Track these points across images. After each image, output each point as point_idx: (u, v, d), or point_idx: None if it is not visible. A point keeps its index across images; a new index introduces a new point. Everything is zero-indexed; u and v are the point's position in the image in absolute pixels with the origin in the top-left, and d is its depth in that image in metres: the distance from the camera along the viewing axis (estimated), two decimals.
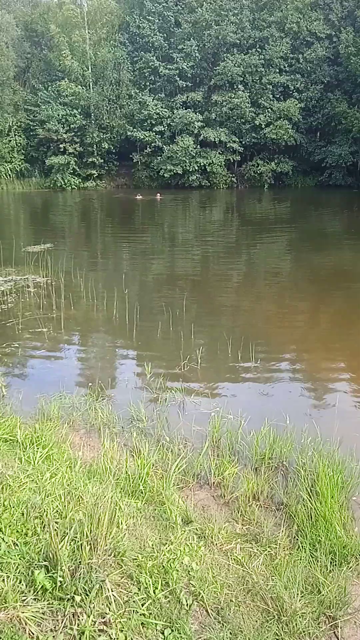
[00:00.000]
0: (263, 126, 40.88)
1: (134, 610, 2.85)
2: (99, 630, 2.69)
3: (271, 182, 42.43)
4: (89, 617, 2.70)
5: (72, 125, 40.45)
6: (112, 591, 2.86)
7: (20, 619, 2.63)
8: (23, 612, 2.65)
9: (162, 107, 40.91)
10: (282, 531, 3.91)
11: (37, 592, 2.79)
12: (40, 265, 13.55)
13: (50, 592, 2.80)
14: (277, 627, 3.03)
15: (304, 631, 3.03)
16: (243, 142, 41.85)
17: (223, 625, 2.98)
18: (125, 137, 41.85)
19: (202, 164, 40.89)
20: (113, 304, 10.34)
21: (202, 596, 3.12)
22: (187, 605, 3.02)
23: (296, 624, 3.04)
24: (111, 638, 2.67)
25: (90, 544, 3.01)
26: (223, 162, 41.86)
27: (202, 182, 41.65)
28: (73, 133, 40.72)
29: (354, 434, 5.59)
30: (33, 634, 2.59)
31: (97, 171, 42.48)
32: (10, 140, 42.16)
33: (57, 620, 2.69)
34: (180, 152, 39.53)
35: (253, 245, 19.11)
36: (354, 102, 39.79)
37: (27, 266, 13.82)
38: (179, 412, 6.36)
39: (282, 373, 7.93)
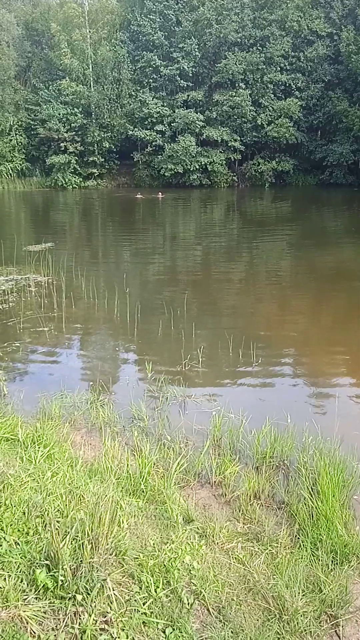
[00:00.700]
0: (264, 125, 40.86)
1: (135, 609, 2.85)
2: (100, 629, 2.69)
3: (272, 181, 42.45)
4: (90, 616, 2.71)
5: (73, 124, 40.50)
6: (113, 590, 2.86)
7: (21, 618, 2.63)
8: (24, 611, 2.66)
9: (162, 106, 40.88)
10: (284, 530, 3.91)
11: (39, 591, 2.80)
12: (42, 265, 13.56)
13: (51, 591, 2.80)
14: (279, 625, 3.03)
15: (305, 630, 3.03)
16: (244, 141, 41.83)
17: (224, 624, 2.98)
18: (126, 136, 41.86)
19: (203, 163, 40.88)
20: (114, 303, 10.34)
21: (204, 595, 3.12)
22: (188, 604, 3.02)
23: (297, 623, 3.04)
24: (112, 637, 2.67)
25: (91, 543, 3.01)
26: (224, 161, 41.86)
27: (203, 180, 41.63)
28: (74, 132, 40.76)
29: (354, 432, 5.58)
30: (34, 632, 2.60)
31: (98, 170, 42.51)
32: (11, 140, 42.22)
33: (59, 619, 2.69)
34: (182, 152, 39.51)
35: (254, 244, 19.09)
36: (355, 101, 39.77)
37: (28, 265, 13.82)
38: (180, 411, 6.36)
39: (283, 372, 7.94)
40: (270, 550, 3.71)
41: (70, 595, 2.78)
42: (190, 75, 41.53)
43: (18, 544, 3.09)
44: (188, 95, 40.91)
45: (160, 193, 35.63)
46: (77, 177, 41.72)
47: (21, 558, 2.98)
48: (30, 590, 2.80)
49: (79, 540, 3.04)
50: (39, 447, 4.61)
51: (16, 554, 3.00)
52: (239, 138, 41.51)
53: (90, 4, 42.45)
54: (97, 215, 29.28)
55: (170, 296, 11.75)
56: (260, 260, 16.40)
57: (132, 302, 10.11)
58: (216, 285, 13.20)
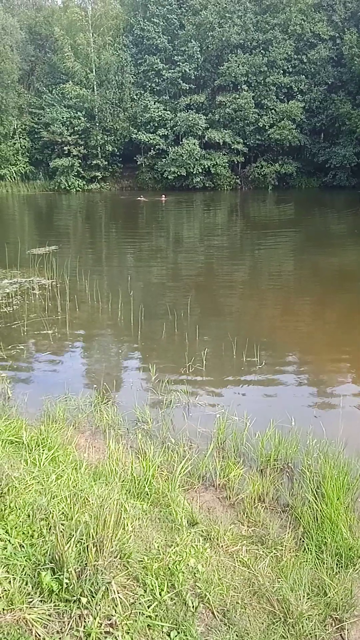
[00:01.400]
0: (267, 127, 40.88)
1: (140, 612, 2.85)
2: (105, 632, 2.69)
3: (275, 184, 42.40)
4: (95, 618, 2.71)
5: (76, 128, 40.62)
6: (118, 593, 2.86)
7: (26, 621, 2.63)
8: (29, 614, 2.66)
9: (164, 110, 41.00)
10: (288, 533, 3.90)
11: (44, 594, 2.80)
12: (45, 268, 13.60)
13: (56, 594, 2.80)
14: (283, 629, 3.02)
15: (310, 633, 3.02)
16: (247, 144, 41.82)
17: (229, 627, 2.98)
18: (129, 139, 41.98)
19: (206, 166, 40.89)
20: (118, 306, 10.36)
21: (208, 598, 3.12)
22: (193, 607, 3.02)
23: (302, 627, 3.03)
24: None
25: (96, 545, 3.01)
26: (227, 164, 41.88)
27: (206, 183, 41.65)
28: (77, 135, 40.89)
29: (359, 435, 5.57)
30: (39, 635, 2.60)
31: (101, 173, 42.63)
32: (15, 143, 42.39)
33: (64, 622, 2.69)
34: (185, 155, 39.57)
35: (257, 246, 19.09)
36: (358, 103, 39.71)
37: (32, 268, 13.86)
38: (184, 413, 6.36)
39: (287, 374, 7.92)
40: (274, 553, 3.71)
41: (75, 598, 2.78)
42: (193, 78, 41.59)
43: (23, 546, 3.10)
44: (191, 99, 40.98)
45: (163, 196, 35.68)
46: (80, 180, 41.84)
47: (26, 561, 2.99)
48: (35, 593, 2.80)
49: (84, 543, 3.04)
50: (43, 450, 4.61)
51: (21, 557, 3.00)
52: (241, 140, 41.52)
53: (94, 9, 42.62)
54: (100, 218, 29.35)
55: (174, 299, 11.77)
56: (263, 263, 16.39)
57: (135, 305, 10.13)
58: (219, 289, 13.21)
